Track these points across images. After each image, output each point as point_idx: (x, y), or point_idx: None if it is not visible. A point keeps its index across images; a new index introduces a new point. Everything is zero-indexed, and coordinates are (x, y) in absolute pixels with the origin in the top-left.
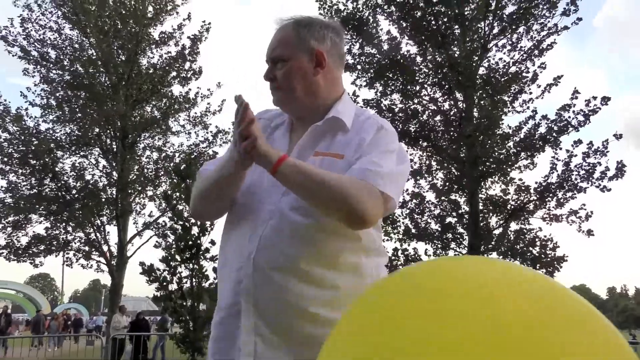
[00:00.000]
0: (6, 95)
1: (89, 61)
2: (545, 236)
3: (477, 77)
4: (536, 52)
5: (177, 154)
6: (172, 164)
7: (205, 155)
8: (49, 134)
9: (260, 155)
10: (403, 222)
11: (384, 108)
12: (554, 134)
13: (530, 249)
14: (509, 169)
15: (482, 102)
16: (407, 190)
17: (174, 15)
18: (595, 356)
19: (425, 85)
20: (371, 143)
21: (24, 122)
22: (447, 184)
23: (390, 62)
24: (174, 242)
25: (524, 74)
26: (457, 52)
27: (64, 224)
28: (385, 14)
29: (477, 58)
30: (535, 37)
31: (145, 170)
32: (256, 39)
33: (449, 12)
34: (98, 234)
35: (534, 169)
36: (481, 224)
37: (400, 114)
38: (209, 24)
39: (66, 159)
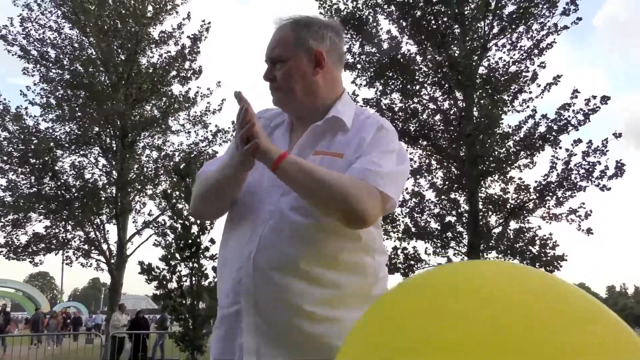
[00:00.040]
0: (6, 94)
1: (88, 60)
2: (544, 235)
3: (477, 76)
4: (536, 51)
5: (176, 153)
6: (171, 163)
7: (205, 154)
8: (49, 133)
9: (261, 151)
10: (403, 221)
11: (384, 107)
12: (554, 133)
13: (530, 247)
14: (508, 168)
15: (481, 101)
16: (407, 189)
17: (173, 15)
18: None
19: (425, 85)
20: (371, 143)
21: (23, 121)
22: (447, 182)
23: (390, 61)
24: (173, 241)
25: (523, 74)
26: (457, 52)
27: (63, 222)
28: (385, 14)
29: (476, 57)
30: (535, 37)
31: (145, 169)
32: (256, 38)
33: (449, 12)
34: (98, 233)
35: (533, 168)
36: (481, 223)
37: (400, 113)
38: (209, 23)
39: (66, 157)
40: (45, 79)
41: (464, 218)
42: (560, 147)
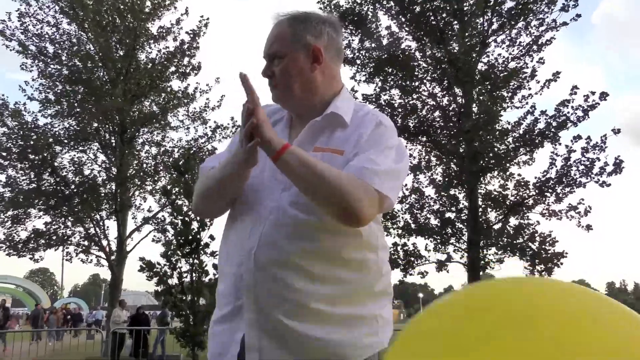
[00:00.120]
0: (4, 90)
1: (87, 56)
2: (544, 232)
3: (476, 72)
4: (535, 47)
5: (176, 149)
6: (171, 159)
7: (204, 150)
8: (48, 128)
9: (265, 141)
10: (402, 217)
11: (383, 103)
12: (553, 130)
13: (530, 244)
14: (508, 165)
15: (481, 97)
16: (407, 185)
17: (171, 10)
18: None
19: (425, 81)
20: (369, 139)
21: (22, 117)
22: (447, 179)
23: (389, 57)
24: (173, 237)
25: (523, 70)
26: (456, 48)
27: (63, 218)
28: (384, 9)
29: (476, 53)
30: (533, 33)
31: (144, 165)
32: (256, 33)
33: (448, 8)
34: (97, 229)
35: (533, 165)
36: (480, 219)
37: (400, 109)
38: (207, 19)
39: (65, 153)
40: (43, 74)
41: (463, 214)
42: (560, 144)
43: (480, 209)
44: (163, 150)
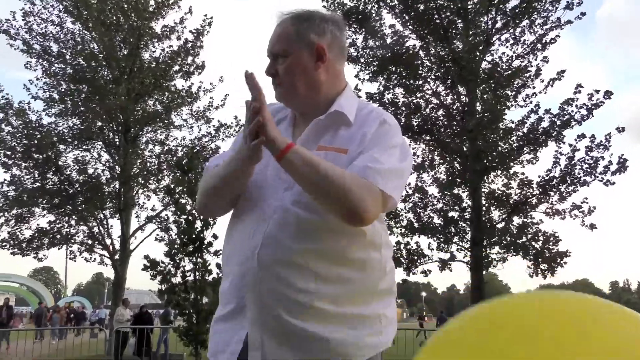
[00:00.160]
0: (8, 89)
1: (91, 55)
2: (547, 232)
3: (480, 71)
4: (539, 46)
5: (179, 148)
6: (174, 158)
7: (208, 149)
8: (52, 127)
9: (269, 140)
10: (406, 216)
11: (386, 102)
12: (557, 128)
13: (533, 243)
14: (511, 164)
15: (484, 96)
16: (410, 184)
17: (175, 9)
18: None
19: (428, 79)
20: (373, 138)
21: (26, 116)
22: (450, 178)
23: (393, 55)
24: (177, 236)
25: (527, 68)
26: (460, 46)
27: (67, 217)
28: (388, 7)
29: (479, 52)
30: (538, 31)
31: (148, 164)
32: (260, 32)
33: (452, 6)
34: (101, 228)
35: (536, 164)
36: (484, 218)
37: (403, 108)
38: (211, 18)
39: (69, 152)
40: (47, 73)
41: (467, 213)
42: (564, 143)
43: (484, 208)
44: (167, 149)
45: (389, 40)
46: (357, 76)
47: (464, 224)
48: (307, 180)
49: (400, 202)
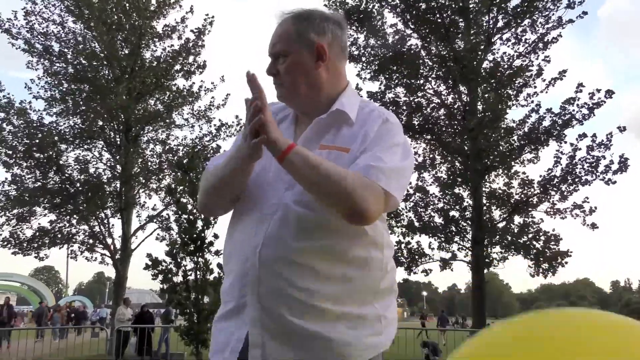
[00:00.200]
0: (10, 88)
1: (92, 54)
2: (548, 231)
3: (482, 70)
4: (541, 45)
5: (180, 147)
6: (175, 157)
7: (209, 148)
8: (53, 127)
9: (270, 141)
10: (407, 216)
11: (388, 101)
12: (558, 127)
13: (534, 243)
14: (513, 163)
15: (486, 95)
16: (411, 183)
17: (177, 9)
18: None
19: (430, 79)
20: (375, 137)
21: (28, 116)
22: (451, 177)
23: (394, 55)
24: (178, 235)
25: (528, 68)
26: (462, 46)
27: (68, 216)
28: (390, 7)
29: (481, 52)
30: (539, 30)
31: (149, 163)
32: (261, 31)
33: (453, 5)
34: (102, 227)
35: (538, 163)
36: (485, 218)
37: (405, 107)
38: (213, 17)
39: (70, 151)
40: (49, 72)
41: (467, 213)
42: (565, 142)
43: (485, 208)
44: (168, 149)
45: (390, 40)
46: (358, 75)
47: (464, 224)
48: (308, 181)
49: (402, 201)
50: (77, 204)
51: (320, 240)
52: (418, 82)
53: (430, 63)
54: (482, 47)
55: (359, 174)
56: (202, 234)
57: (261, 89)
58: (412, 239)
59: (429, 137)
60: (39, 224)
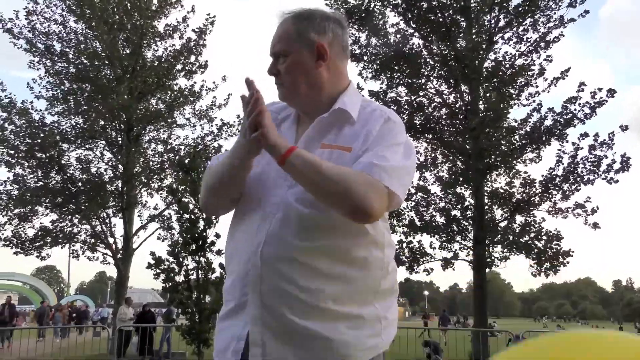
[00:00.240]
0: (12, 88)
1: (93, 54)
2: (550, 230)
3: (483, 69)
4: (542, 44)
5: (182, 147)
6: (177, 157)
7: (210, 148)
8: (55, 126)
9: (270, 145)
10: (408, 215)
11: (389, 100)
12: (560, 127)
13: (536, 242)
14: (514, 162)
15: (487, 94)
16: (412, 183)
17: (178, 8)
18: None
19: (431, 78)
20: (378, 136)
21: (29, 115)
22: (453, 176)
23: (396, 54)
24: (179, 235)
25: (530, 67)
26: (463, 45)
27: (70, 216)
28: (391, 6)
29: (482, 51)
30: (541, 29)
31: (151, 162)
32: (263, 31)
33: (455, 4)
34: (104, 226)
35: (539, 162)
36: (486, 217)
37: (406, 107)
38: (214, 16)
39: (72, 151)
40: (50, 72)
41: (469, 212)
42: (567, 141)
43: (486, 207)
44: (169, 148)
45: (391, 39)
46: (360, 74)
47: (466, 223)
48: (310, 182)
49: (404, 200)
50: (79, 204)
51: (322, 239)
52: (420, 81)
53: (431, 62)
54: (484, 46)
55: (362, 173)
56: (204, 234)
57: (258, 91)
58: (413, 238)
59: (430, 136)
60: (40, 223)
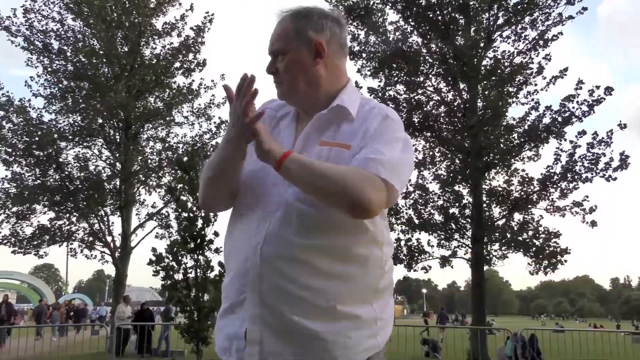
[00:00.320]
0: (9, 86)
1: (91, 52)
2: (547, 228)
3: (482, 67)
4: (541, 42)
5: (180, 145)
6: (175, 155)
7: (209, 146)
8: (53, 124)
9: (264, 152)
10: (406, 213)
11: (388, 98)
12: (558, 125)
13: (534, 240)
14: (513, 160)
15: (486, 92)
16: (411, 181)
17: (176, 7)
18: None
19: (430, 76)
20: (376, 132)
21: (27, 114)
22: (451, 174)
23: (395, 52)
24: (177, 233)
25: (529, 66)
26: (462, 43)
27: (68, 214)
28: (390, 3)
29: (481, 49)
30: (539, 27)
31: (149, 160)
32: (261, 29)
33: (453, 2)
34: (102, 225)
35: (538, 161)
36: (484, 215)
37: (405, 104)
38: (212, 15)
39: (70, 149)
40: (48, 70)
41: (467, 210)
42: (565, 139)
43: (485, 205)
44: (167, 146)
45: (390, 37)
46: (359, 72)
47: (464, 221)
48: (307, 184)
49: (402, 194)
50: (77, 202)
51: (322, 237)
52: (418, 79)
53: (430, 60)
54: (483, 44)
55: (357, 168)
56: (202, 232)
57: (252, 94)
58: (411, 236)
59: (429, 134)
60: (38, 221)
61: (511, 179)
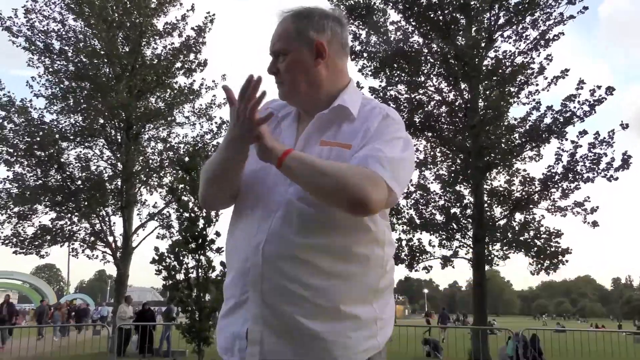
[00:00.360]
0: (10, 87)
1: (92, 52)
2: (549, 228)
3: (483, 67)
4: (542, 42)
5: (181, 145)
6: (176, 155)
7: (210, 146)
8: (54, 125)
9: (266, 150)
10: (408, 213)
11: (389, 98)
12: (559, 125)
13: (535, 240)
14: (514, 160)
15: (487, 92)
16: (412, 181)
17: (177, 7)
18: None
19: (431, 76)
20: (376, 132)
21: (29, 114)
22: (452, 175)
23: (396, 52)
24: (179, 233)
25: (530, 65)
26: (463, 42)
27: (69, 214)
28: (391, 3)
29: (482, 49)
30: (540, 27)
31: (150, 161)
32: (263, 29)
33: (454, 2)
34: (103, 225)
35: (539, 161)
36: (486, 215)
37: (406, 104)
38: (213, 15)
39: (71, 149)
40: (49, 70)
41: (469, 210)
42: (566, 139)
43: (486, 205)
44: (169, 147)
45: (392, 37)
46: (360, 71)
47: (465, 221)
48: (307, 182)
49: (403, 192)
50: (78, 202)
51: (323, 236)
52: (419, 79)
53: (431, 60)
54: (484, 44)
55: (356, 166)
56: (204, 232)
57: (259, 97)
58: (413, 236)
59: (430, 134)
60: (40, 222)
61: (512, 179)
